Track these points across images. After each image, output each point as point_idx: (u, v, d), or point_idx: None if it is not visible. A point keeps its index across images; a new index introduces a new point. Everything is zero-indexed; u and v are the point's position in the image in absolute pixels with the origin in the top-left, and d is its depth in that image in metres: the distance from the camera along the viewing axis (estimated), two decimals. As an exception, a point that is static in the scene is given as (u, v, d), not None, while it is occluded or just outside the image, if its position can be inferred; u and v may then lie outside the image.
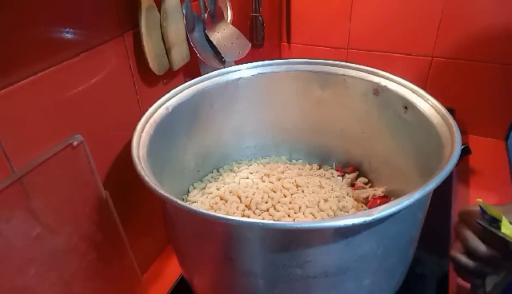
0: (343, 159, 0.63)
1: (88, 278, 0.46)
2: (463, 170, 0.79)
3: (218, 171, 0.62)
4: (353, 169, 0.62)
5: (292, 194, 0.54)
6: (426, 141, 0.46)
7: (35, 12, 0.37)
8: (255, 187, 0.56)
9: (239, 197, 0.55)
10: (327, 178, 0.60)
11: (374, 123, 0.56)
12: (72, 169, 0.42)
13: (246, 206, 0.53)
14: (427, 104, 0.47)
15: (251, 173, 0.60)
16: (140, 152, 0.42)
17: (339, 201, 0.54)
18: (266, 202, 0.53)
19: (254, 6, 0.81)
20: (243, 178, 0.59)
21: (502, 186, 0.75)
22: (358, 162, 0.62)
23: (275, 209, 0.52)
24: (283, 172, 0.60)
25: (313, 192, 0.55)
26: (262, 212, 0.52)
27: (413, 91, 0.50)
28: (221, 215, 0.34)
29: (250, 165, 0.63)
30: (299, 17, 0.95)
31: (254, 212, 0.52)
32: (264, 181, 0.58)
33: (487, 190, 0.75)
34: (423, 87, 0.49)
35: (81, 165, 0.43)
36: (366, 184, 0.60)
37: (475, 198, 0.71)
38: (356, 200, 0.57)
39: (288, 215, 0.51)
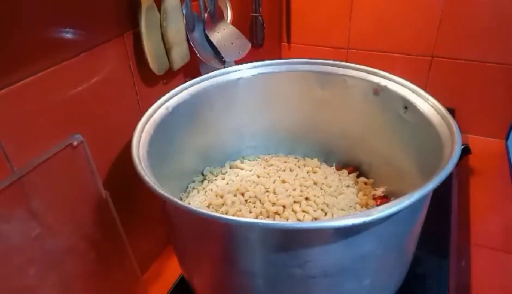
0: (343, 159, 0.63)
1: (88, 278, 0.46)
2: (463, 170, 0.79)
3: (218, 171, 0.62)
4: (353, 169, 0.62)
5: (294, 190, 0.54)
6: (426, 141, 0.45)
7: (35, 12, 0.37)
8: (256, 187, 0.56)
9: (241, 195, 0.55)
10: (331, 180, 0.60)
11: (374, 123, 0.56)
12: (72, 169, 0.42)
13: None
14: (427, 104, 0.47)
15: (251, 173, 0.60)
16: (140, 152, 0.42)
17: (342, 201, 0.54)
18: (268, 201, 0.53)
19: (254, 6, 0.81)
20: (243, 178, 0.59)
21: (502, 186, 0.75)
22: (358, 162, 0.62)
23: (276, 207, 0.52)
24: (284, 170, 0.60)
25: (314, 190, 0.55)
26: (263, 212, 0.52)
27: (413, 91, 0.50)
28: (221, 215, 0.34)
29: (251, 164, 0.63)
30: (299, 17, 0.95)
31: (254, 212, 0.52)
32: (265, 180, 0.58)
33: (487, 190, 0.75)
34: (423, 87, 0.49)
35: (81, 165, 0.43)
36: (366, 184, 0.60)
37: (475, 198, 0.72)
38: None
39: (292, 216, 0.51)
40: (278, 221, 0.49)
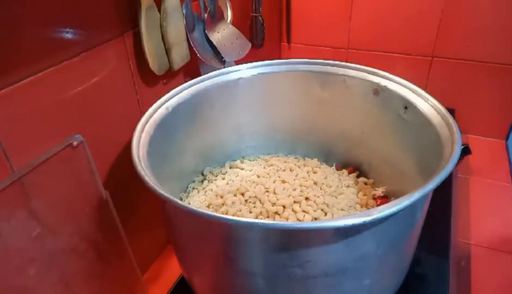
0: (343, 159, 0.63)
1: (88, 278, 0.46)
2: (463, 170, 0.79)
3: (218, 171, 0.62)
4: (353, 169, 0.62)
5: (294, 190, 0.54)
6: (426, 141, 0.46)
7: (35, 12, 0.37)
8: (256, 187, 0.56)
9: (241, 195, 0.55)
10: (331, 180, 0.60)
11: (374, 123, 0.56)
12: (72, 169, 0.42)
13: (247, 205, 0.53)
14: (427, 104, 0.47)
15: (251, 173, 0.60)
16: (140, 152, 0.42)
17: (342, 201, 0.54)
18: (268, 201, 0.53)
19: (254, 6, 0.81)
20: (243, 178, 0.59)
21: (502, 186, 0.75)
22: (358, 162, 0.62)
23: (276, 207, 0.52)
24: (284, 170, 0.60)
25: (314, 190, 0.55)
26: (263, 212, 0.52)
27: (413, 91, 0.50)
28: (221, 215, 0.34)
29: (251, 164, 0.63)
30: (299, 17, 0.95)
31: (254, 212, 0.52)
32: (265, 180, 0.58)
33: (487, 190, 0.75)
34: (423, 87, 0.49)
35: (81, 165, 0.43)
36: (366, 184, 0.60)
37: (475, 198, 0.72)
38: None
39: (292, 216, 0.51)
40: (278, 221, 0.49)
